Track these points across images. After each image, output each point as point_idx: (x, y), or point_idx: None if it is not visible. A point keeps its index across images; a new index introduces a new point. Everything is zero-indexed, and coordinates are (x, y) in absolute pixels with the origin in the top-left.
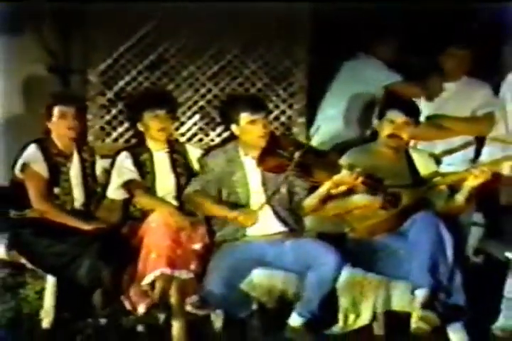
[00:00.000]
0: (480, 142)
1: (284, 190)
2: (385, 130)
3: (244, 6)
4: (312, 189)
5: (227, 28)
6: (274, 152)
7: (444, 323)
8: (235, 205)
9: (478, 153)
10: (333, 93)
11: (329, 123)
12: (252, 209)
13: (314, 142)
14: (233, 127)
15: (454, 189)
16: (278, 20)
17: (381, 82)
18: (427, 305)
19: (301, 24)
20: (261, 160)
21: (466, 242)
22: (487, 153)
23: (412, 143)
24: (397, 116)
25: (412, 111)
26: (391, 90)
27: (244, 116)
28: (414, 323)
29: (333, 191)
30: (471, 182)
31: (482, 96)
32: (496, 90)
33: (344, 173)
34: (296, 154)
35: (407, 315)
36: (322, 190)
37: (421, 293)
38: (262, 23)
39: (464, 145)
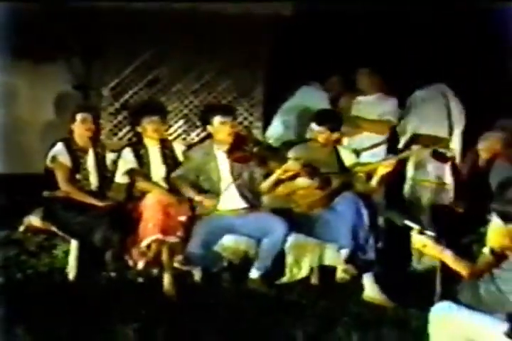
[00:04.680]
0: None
1: (246, 176)
2: (312, 136)
3: (219, 39)
4: (267, 175)
5: (207, 57)
6: (239, 147)
7: (360, 273)
8: (203, 191)
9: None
10: (284, 109)
11: (280, 128)
12: (213, 195)
13: (269, 141)
14: (209, 127)
15: (369, 175)
16: (244, 52)
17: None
18: (348, 261)
19: (262, 56)
20: (230, 153)
21: (377, 214)
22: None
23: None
24: (314, 126)
25: (329, 124)
26: None
27: (217, 119)
28: (339, 274)
29: (283, 176)
30: (381, 171)
31: (387, 106)
32: None
33: (290, 163)
34: (255, 149)
35: (334, 268)
36: (275, 176)
37: (344, 252)
38: (233, 53)
39: (381, 143)
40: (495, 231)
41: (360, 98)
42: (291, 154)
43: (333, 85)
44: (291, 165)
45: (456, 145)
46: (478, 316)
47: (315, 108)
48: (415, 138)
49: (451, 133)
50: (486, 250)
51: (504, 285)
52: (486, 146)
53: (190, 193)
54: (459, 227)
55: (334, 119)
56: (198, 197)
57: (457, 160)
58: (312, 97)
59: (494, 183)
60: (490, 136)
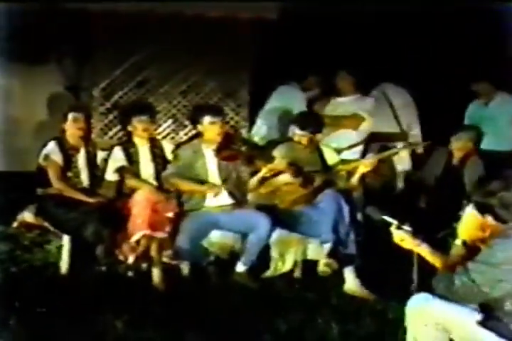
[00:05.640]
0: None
1: (233, 173)
2: (295, 138)
3: (206, 42)
4: (253, 173)
5: (194, 58)
6: (227, 146)
7: (341, 267)
8: (202, 182)
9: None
10: (265, 110)
11: (264, 128)
12: (214, 184)
13: (254, 140)
14: (198, 127)
15: (350, 173)
16: (230, 54)
17: (296, 109)
18: (330, 255)
19: (248, 58)
20: (217, 152)
21: (356, 210)
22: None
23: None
24: (296, 130)
25: (308, 126)
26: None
27: (207, 119)
28: (321, 268)
29: (268, 174)
30: (362, 169)
31: (362, 104)
32: None
33: (277, 162)
34: (243, 148)
35: (317, 262)
36: (261, 174)
37: (326, 246)
38: (219, 55)
39: (359, 143)
40: (467, 223)
41: (338, 99)
42: (276, 153)
43: (311, 85)
44: (277, 164)
45: (414, 134)
46: (453, 307)
47: (293, 108)
48: (373, 137)
49: (401, 127)
50: (458, 242)
51: (477, 277)
52: (459, 145)
53: (192, 186)
54: (434, 222)
55: (315, 123)
56: (202, 188)
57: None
58: (290, 97)
59: (468, 179)
60: (462, 135)
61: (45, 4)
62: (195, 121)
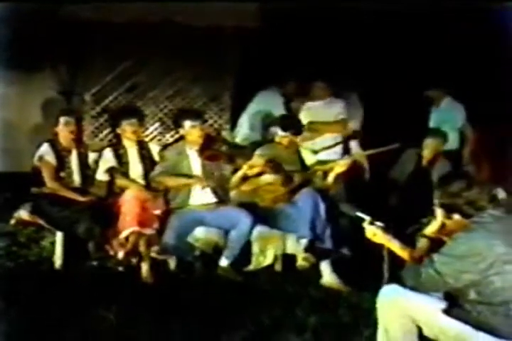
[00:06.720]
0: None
1: (216, 173)
2: (277, 139)
3: (191, 50)
4: (235, 171)
5: (179, 65)
6: (209, 147)
7: (318, 260)
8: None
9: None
10: (247, 113)
11: (246, 130)
12: (200, 177)
13: (236, 141)
14: (181, 130)
15: (326, 173)
16: (214, 61)
17: (276, 113)
18: (307, 249)
19: (230, 65)
20: (201, 153)
21: (333, 207)
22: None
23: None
24: (279, 131)
25: (290, 128)
26: None
27: (188, 123)
28: (299, 262)
29: (248, 172)
30: (337, 169)
31: (339, 107)
32: None
33: (255, 159)
34: (224, 148)
35: (295, 257)
36: (241, 172)
37: (304, 242)
38: (204, 62)
39: (335, 144)
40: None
41: (311, 103)
42: (258, 152)
43: (291, 89)
44: (256, 161)
45: None
46: (419, 297)
47: (273, 111)
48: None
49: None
50: (420, 236)
51: (442, 268)
52: (429, 148)
53: (180, 180)
54: (404, 219)
55: (296, 125)
56: (189, 181)
57: None
58: (270, 101)
59: (437, 179)
60: (432, 138)
61: (40, 8)
62: (177, 125)
